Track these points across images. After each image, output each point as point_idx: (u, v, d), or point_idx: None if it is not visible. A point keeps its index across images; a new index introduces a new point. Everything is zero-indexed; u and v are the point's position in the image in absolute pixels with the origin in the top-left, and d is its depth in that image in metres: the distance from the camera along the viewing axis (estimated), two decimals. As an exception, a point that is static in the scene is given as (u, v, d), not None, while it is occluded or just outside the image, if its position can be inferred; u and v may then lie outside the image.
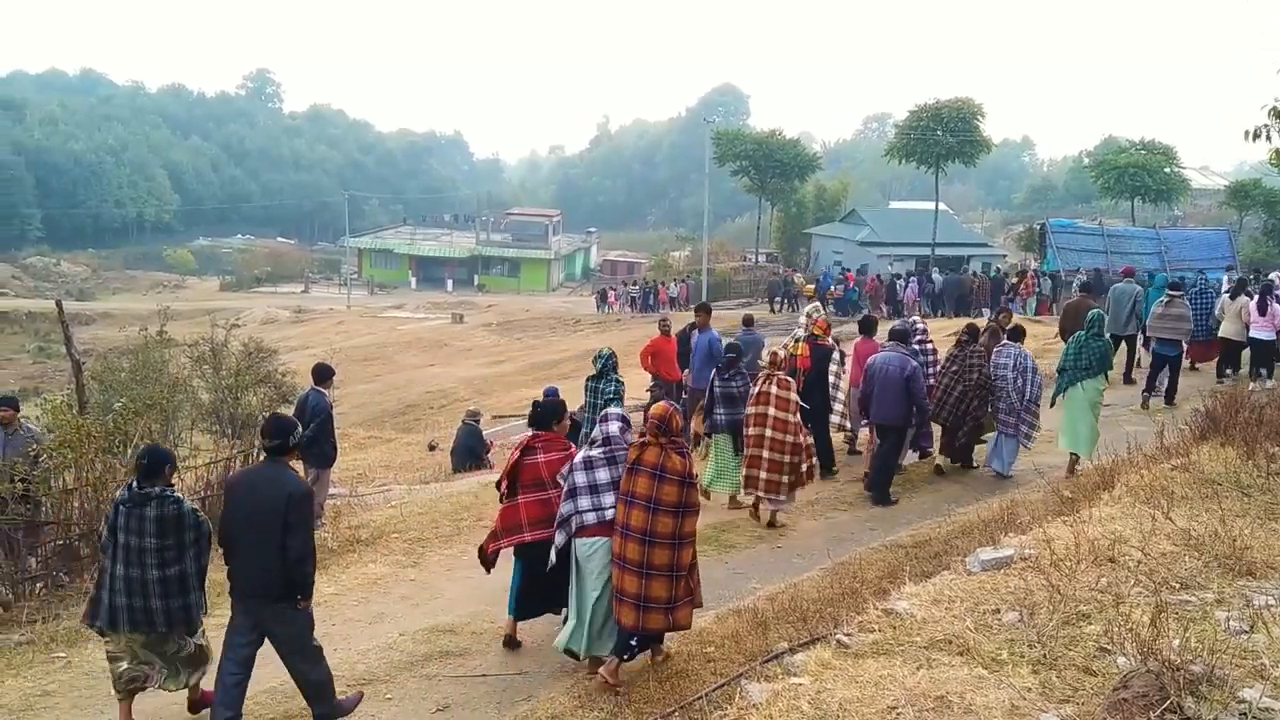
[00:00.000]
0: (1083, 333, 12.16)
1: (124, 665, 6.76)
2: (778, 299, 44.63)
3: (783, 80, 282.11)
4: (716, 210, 75.55)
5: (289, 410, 13.19)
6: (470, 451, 17.64)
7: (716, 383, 11.64)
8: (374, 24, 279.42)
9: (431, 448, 21.81)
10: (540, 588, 7.82)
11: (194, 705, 7.19)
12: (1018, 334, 12.92)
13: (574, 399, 14.90)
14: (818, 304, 14.78)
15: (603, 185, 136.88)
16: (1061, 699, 4.36)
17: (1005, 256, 55.44)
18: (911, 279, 40.59)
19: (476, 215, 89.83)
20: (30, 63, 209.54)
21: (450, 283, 77.65)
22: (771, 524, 11.09)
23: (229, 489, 6.96)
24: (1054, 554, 5.99)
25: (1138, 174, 46.43)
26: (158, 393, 16.56)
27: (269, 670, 7.88)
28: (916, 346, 12.64)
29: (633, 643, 7.21)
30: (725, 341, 13.21)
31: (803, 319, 13.23)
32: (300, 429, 6.97)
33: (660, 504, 6.97)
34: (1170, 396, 15.58)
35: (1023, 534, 7.16)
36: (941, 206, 49.83)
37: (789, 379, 11.15)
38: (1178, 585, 5.50)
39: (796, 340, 13.29)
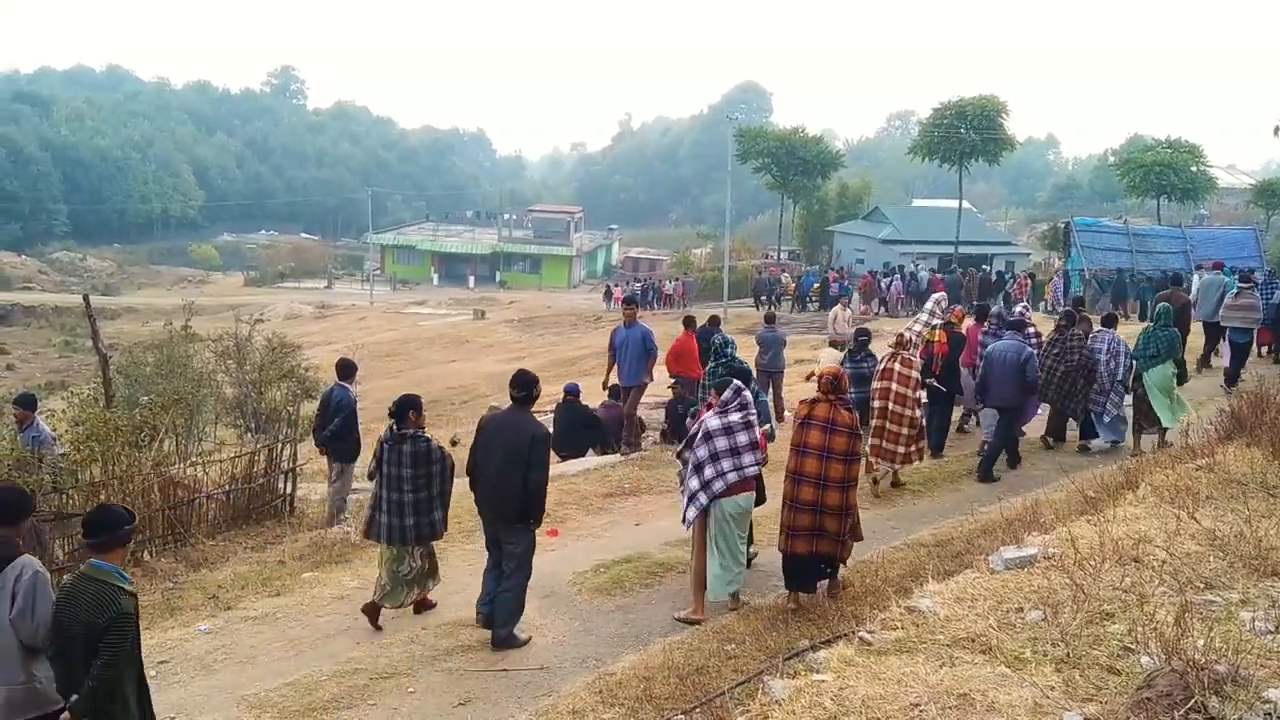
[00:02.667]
0: (1151, 324, 13.35)
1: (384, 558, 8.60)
2: (763, 298, 45.02)
3: (805, 77, 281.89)
4: (738, 208, 75.45)
5: (315, 405, 13.28)
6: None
7: (848, 364, 12.42)
8: (398, 21, 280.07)
9: (454, 443, 21.81)
10: None
11: (417, 607, 8.89)
12: (1111, 321, 13.91)
13: (594, 396, 14.98)
14: (944, 294, 15.66)
15: (625, 182, 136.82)
16: (1085, 698, 4.34)
17: (1029, 255, 55.15)
18: (895, 276, 41.27)
19: (499, 212, 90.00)
20: (57, 59, 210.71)
21: (472, 279, 77.82)
22: (895, 483, 12.15)
23: (481, 429, 8.32)
24: (1078, 553, 5.96)
25: (1163, 172, 46.16)
26: (183, 387, 16.70)
27: (291, 664, 7.96)
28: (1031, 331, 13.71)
29: (825, 568, 8.45)
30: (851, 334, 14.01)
31: (930, 306, 13.81)
32: (538, 384, 8.42)
33: (832, 452, 8.20)
34: (1233, 381, 16.10)
35: (1046, 533, 7.12)
36: (965, 205, 49.70)
37: (912, 359, 12.13)
38: (1202, 585, 5.46)
39: (932, 327, 13.77)
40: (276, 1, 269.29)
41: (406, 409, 8.47)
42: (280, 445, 13.28)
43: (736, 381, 8.58)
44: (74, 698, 5.10)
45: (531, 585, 8.48)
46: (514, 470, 7.85)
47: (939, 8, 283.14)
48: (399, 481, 8.37)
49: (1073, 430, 14.03)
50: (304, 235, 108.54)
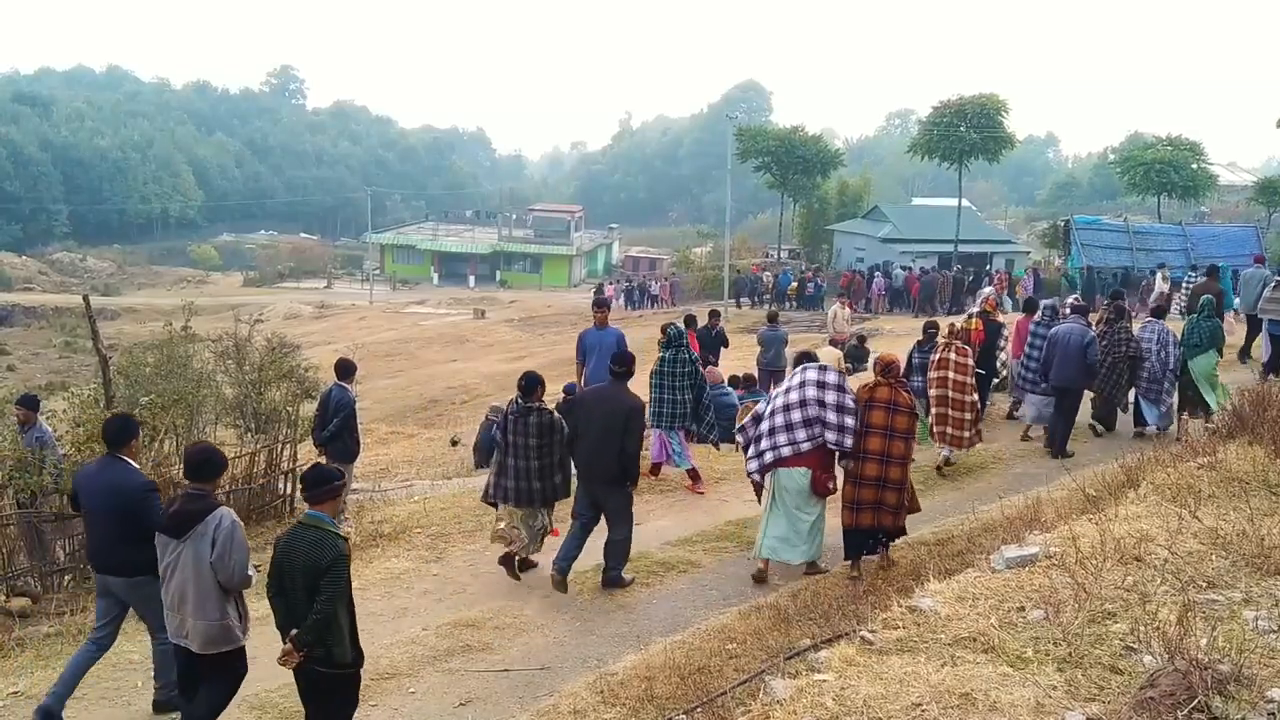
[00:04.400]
0: (1195, 315, 14.03)
1: (501, 525, 9.46)
2: (743, 297, 45.11)
3: (805, 76, 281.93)
4: (739, 207, 75.43)
5: (314, 405, 13.27)
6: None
7: (915, 354, 13.76)
8: (397, 20, 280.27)
9: (454, 443, 21.86)
10: None
11: (522, 565, 9.58)
12: (1160, 312, 14.87)
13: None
14: (992, 288, 17.18)
15: (625, 181, 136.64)
16: (1088, 697, 4.34)
17: (1029, 253, 55.10)
18: (876, 274, 42.30)
19: (499, 211, 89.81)
20: (57, 60, 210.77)
21: (472, 278, 77.67)
22: (948, 463, 12.85)
23: (579, 402, 9.75)
24: (1080, 552, 5.95)
25: (1164, 170, 46.06)
26: (183, 387, 16.67)
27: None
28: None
29: (880, 539, 9.18)
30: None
31: (979, 299, 14.94)
32: (634, 360, 9.57)
33: (895, 431, 8.94)
34: (1272, 371, 16.24)
35: (1047, 532, 7.12)
36: (965, 203, 49.63)
37: (967, 347, 13.08)
38: (1205, 584, 5.45)
39: (970, 316, 15.17)
40: (276, 1, 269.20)
41: (535, 385, 9.37)
42: (280, 446, 13.27)
43: (807, 364, 9.44)
44: (294, 631, 5.85)
45: (531, 586, 8.49)
46: (612, 437, 8.89)
47: (939, 6, 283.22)
48: (525, 450, 9.21)
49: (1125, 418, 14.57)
50: (303, 235, 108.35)
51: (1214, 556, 5.85)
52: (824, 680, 4.77)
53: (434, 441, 23.09)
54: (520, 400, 9.40)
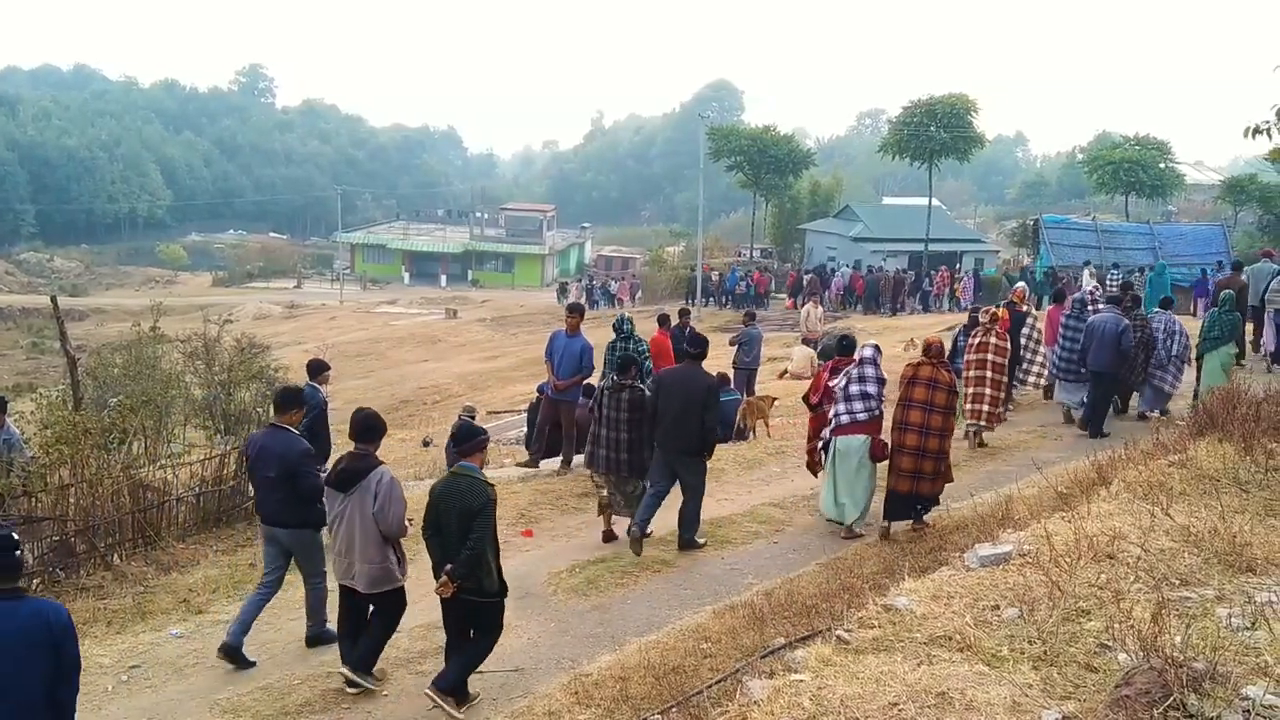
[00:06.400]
0: (1215, 309, 15.11)
1: (604, 492, 10.57)
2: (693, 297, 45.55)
3: (777, 76, 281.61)
4: (711, 206, 75.47)
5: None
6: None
7: (961, 338, 14.92)
8: (368, 18, 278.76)
9: (426, 444, 21.75)
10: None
11: (605, 535, 10.66)
12: (1169, 303, 16.23)
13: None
14: (1024, 284, 18.57)
15: (597, 180, 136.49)
16: (1063, 695, 4.34)
17: (998, 252, 55.45)
18: (838, 274, 43.48)
19: (470, 210, 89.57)
20: (23, 58, 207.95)
21: (444, 278, 77.45)
22: (981, 444, 13.79)
23: (660, 381, 10.35)
24: (1053, 550, 5.96)
25: (1132, 169, 46.52)
26: (151, 389, 16.49)
27: (263, 667, 7.89)
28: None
29: (918, 508, 10.22)
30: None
31: (1015, 288, 16.65)
32: (708, 343, 10.75)
33: (934, 406, 9.96)
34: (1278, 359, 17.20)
35: (1021, 530, 7.14)
36: (935, 202, 49.86)
37: (1006, 333, 14.29)
38: (1178, 582, 5.48)
39: (998, 306, 16.47)
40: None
41: (629, 364, 10.64)
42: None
43: (862, 352, 10.51)
44: (449, 566, 6.76)
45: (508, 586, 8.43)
46: (692, 413, 9.80)
47: (909, 7, 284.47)
48: (617, 423, 10.33)
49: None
50: (273, 234, 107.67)
51: (1186, 554, 5.87)
52: (800, 680, 4.76)
53: (406, 442, 22.96)
54: (615, 377, 10.64)
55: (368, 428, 7.42)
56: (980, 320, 14.57)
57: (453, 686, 6.93)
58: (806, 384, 19.78)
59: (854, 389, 10.18)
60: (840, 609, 6.80)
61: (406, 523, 7.37)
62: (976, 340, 13.96)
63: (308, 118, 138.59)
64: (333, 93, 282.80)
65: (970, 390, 13.69)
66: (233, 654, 7.89)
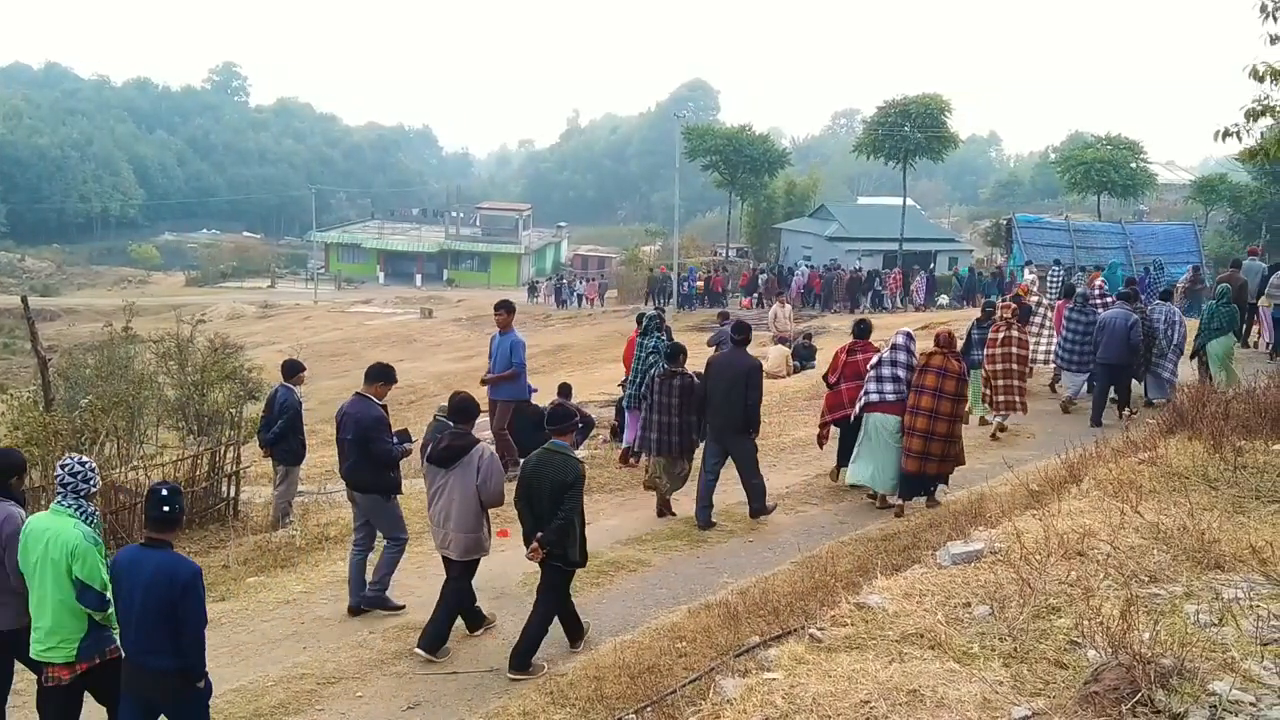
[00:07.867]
0: (1214, 301, 15.59)
1: (655, 476, 11.22)
2: (653, 295, 45.72)
3: (752, 76, 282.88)
4: (687, 205, 75.41)
5: (258, 407, 13.12)
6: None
7: (975, 331, 15.24)
8: (342, 17, 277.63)
9: (400, 442, 21.61)
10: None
11: (660, 510, 11.33)
12: (1169, 295, 17.26)
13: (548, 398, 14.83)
14: (1035, 277, 19.61)
15: (573, 180, 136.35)
16: (1033, 692, 4.37)
17: (972, 251, 55.68)
18: (797, 273, 44.64)
19: (446, 209, 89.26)
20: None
21: (419, 277, 77.20)
22: (1002, 429, 14.37)
23: (710, 364, 11.02)
24: (1024, 547, 6.00)
25: (1104, 169, 46.78)
26: (124, 389, 16.39)
27: (237, 670, 7.85)
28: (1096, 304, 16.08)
29: (929, 487, 10.89)
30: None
31: (1018, 282, 17.24)
32: (751, 329, 11.47)
33: (943, 393, 10.59)
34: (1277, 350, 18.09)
35: (992, 527, 7.18)
36: (909, 202, 49.99)
37: (1025, 326, 15.09)
38: (1147, 578, 5.52)
39: (1004, 299, 17.19)
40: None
41: (679, 352, 11.35)
42: (223, 448, 13.09)
43: (896, 338, 11.23)
44: (539, 534, 7.41)
45: (481, 586, 8.44)
46: (737, 393, 10.54)
47: (884, 8, 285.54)
48: (668, 408, 10.97)
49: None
50: (246, 234, 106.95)
51: (1155, 551, 5.92)
52: (773, 679, 4.78)
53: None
54: (667, 365, 11.36)
55: (464, 409, 8.08)
56: (1001, 315, 14.89)
57: (522, 665, 7.56)
58: (783, 383, 20.01)
59: (886, 371, 10.99)
60: (814, 607, 6.83)
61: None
62: (1000, 335, 14.38)
63: (282, 117, 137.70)
64: (307, 91, 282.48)
65: (997, 382, 14.22)
66: (361, 610, 8.80)
